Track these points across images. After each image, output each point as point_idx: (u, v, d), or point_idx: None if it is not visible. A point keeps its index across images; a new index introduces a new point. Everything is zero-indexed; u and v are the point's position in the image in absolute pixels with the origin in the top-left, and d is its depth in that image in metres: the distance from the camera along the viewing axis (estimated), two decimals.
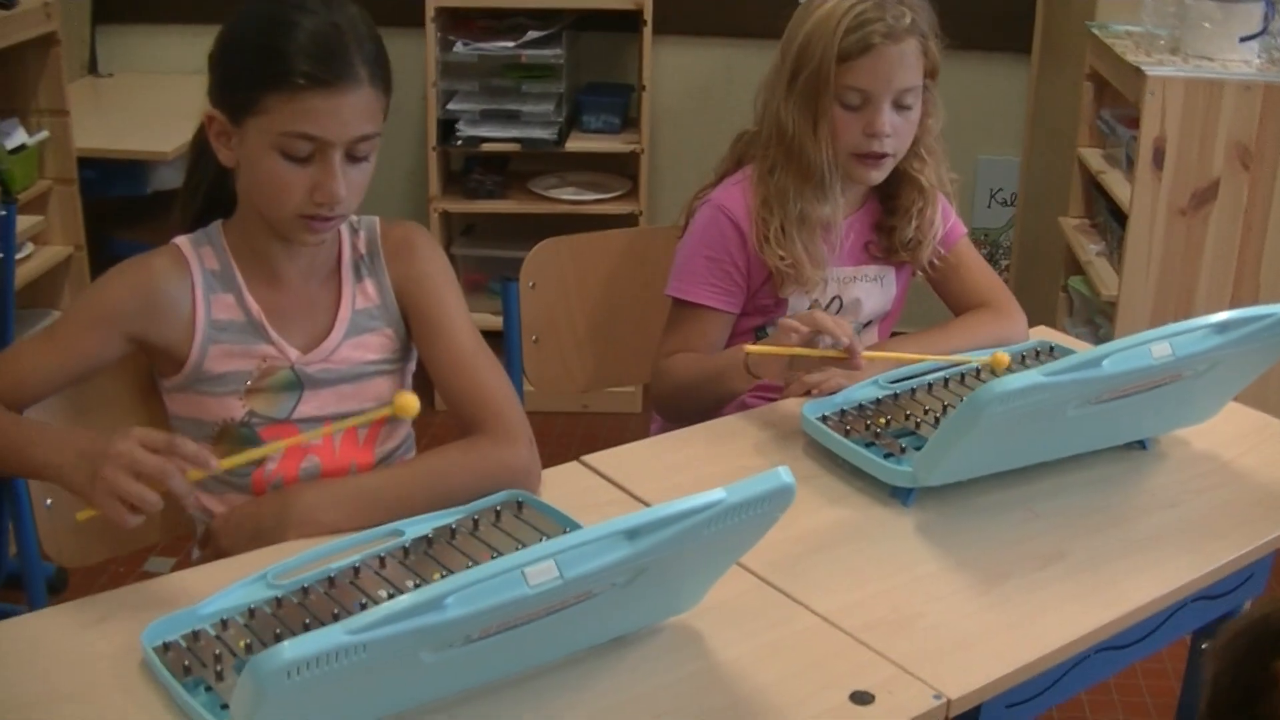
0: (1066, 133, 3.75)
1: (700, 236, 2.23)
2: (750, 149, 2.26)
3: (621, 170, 4.24)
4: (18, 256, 3.20)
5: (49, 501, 1.84)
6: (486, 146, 4.05)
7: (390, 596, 1.53)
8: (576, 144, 4.11)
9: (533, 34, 4.00)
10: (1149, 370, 1.74)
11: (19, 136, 3.33)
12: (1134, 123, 3.15)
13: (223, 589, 1.53)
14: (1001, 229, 4.49)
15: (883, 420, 1.95)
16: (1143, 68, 3.06)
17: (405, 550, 1.62)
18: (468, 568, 1.57)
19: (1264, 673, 1.01)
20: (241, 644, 1.45)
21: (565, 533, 1.65)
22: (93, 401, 1.88)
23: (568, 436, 3.91)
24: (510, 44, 3.99)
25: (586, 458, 1.91)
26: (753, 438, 1.99)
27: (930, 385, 2.05)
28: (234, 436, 1.82)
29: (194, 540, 1.89)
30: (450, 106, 4.05)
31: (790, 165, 2.17)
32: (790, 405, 2.06)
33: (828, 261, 2.21)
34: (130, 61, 4.38)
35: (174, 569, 1.70)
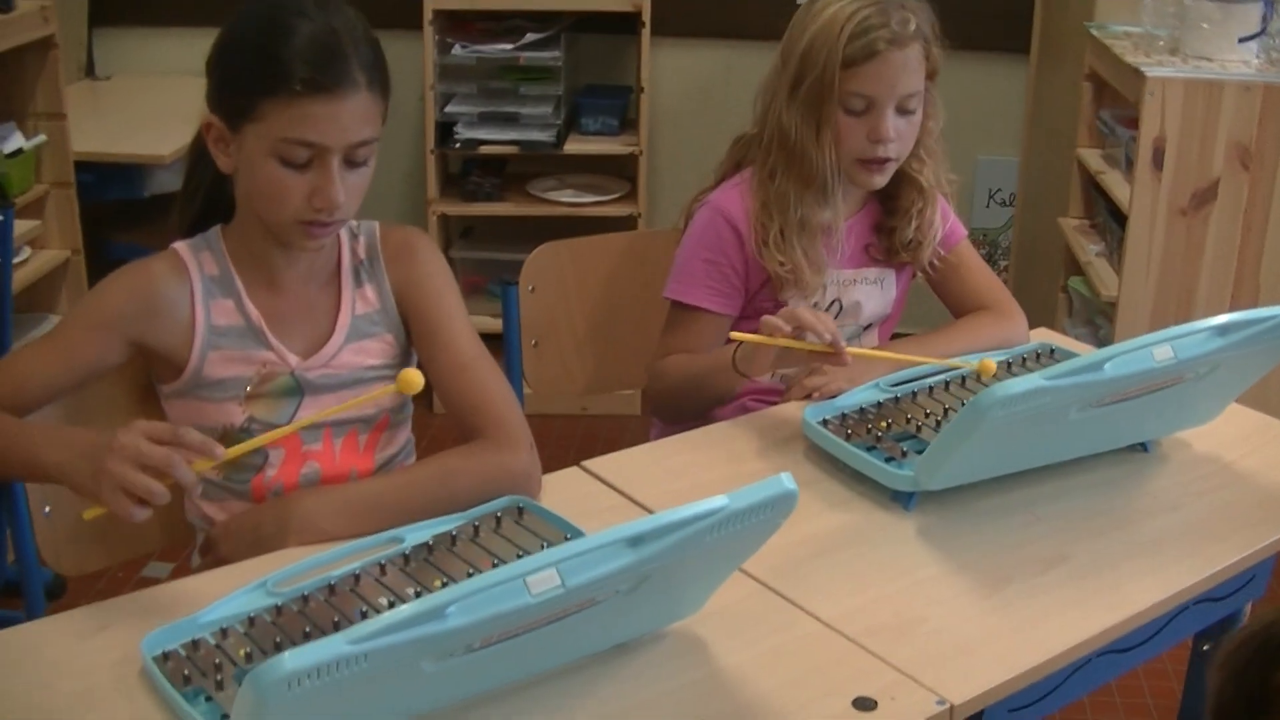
0: (1065, 133, 3.75)
1: (698, 239, 2.23)
2: (749, 152, 2.26)
3: (620, 172, 4.24)
4: (15, 260, 3.20)
5: (47, 509, 1.84)
6: (485, 149, 4.05)
7: (391, 604, 1.53)
8: (575, 146, 4.10)
9: (531, 36, 4.00)
10: (1151, 373, 1.73)
11: (16, 140, 3.32)
12: (1133, 123, 3.15)
13: (223, 597, 1.53)
14: (1000, 229, 4.49)
15: (884, 424, 1.94)
16: (1142, 68, 3.06)
17: (406, 557, 1.61)
18: (468, 574, 1.58)
19: (1266, 685, 1.00)
20: (241, 653, 1.45)
21: (566, 539, 1.65)
22: (92, 408, 1.88)
23: (567, 439, 3.91)
24: (508, 46, 3.99)
25: (587, 463, 1.91)
26: (753, 442, 1.99)
27: (931, 389, 2.05)
28: (233, 442, 1.79)
29: (194, 547, 1.89)
30: (448, 109, 4.05)
31: (792, 170, 2.16)
32: (791, 409, 2.05)
33: (827, 265, 2.21)
34: (127, 64, 4.38)
35: (173, 574, 1.69)
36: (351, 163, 1.72)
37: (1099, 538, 1.78)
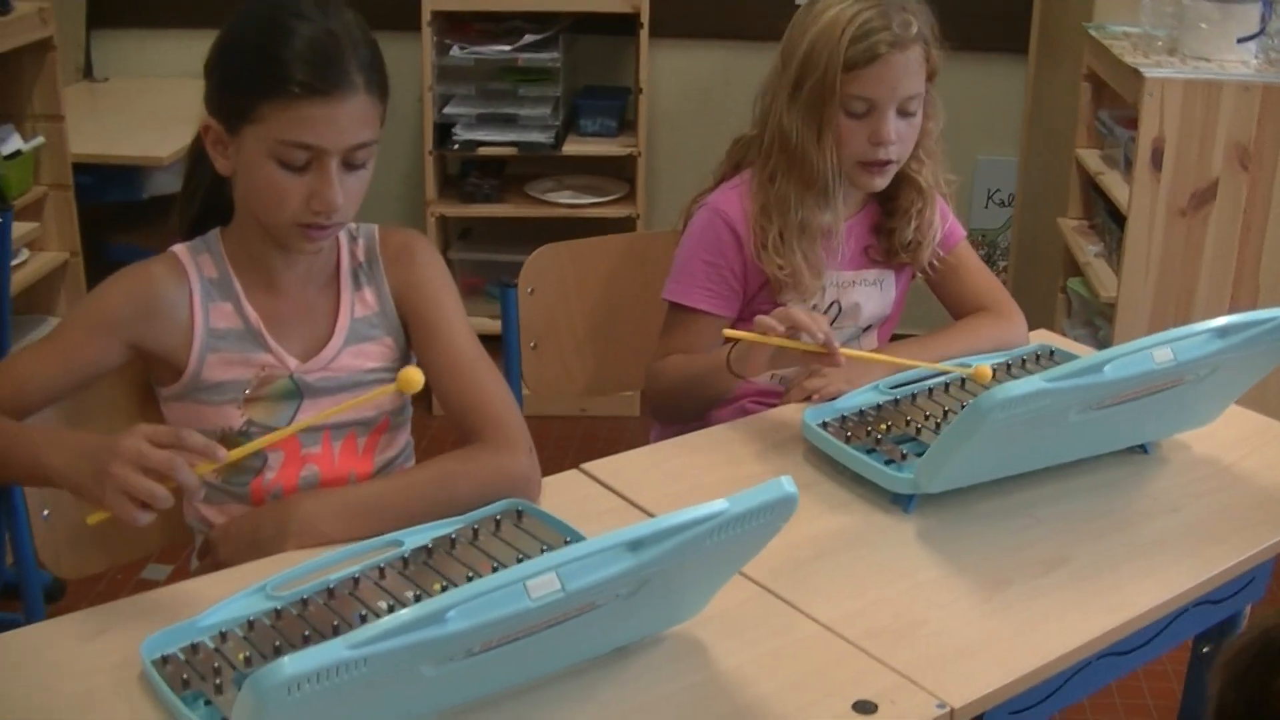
0: (1064, 133, 3.75)
1: (697, 240, 2.23)
2: (748, 154, 2.26)
3: (619, 174, 4.23)
4: (13, 262, 3.20)
5: (46, 512, 1.84)
6: (483, 150, 4.04)
7: (390, 607, 1.53)
8: (573, 147, 4.10)
9: (529, 37, 3.99)
10: (1151, 375, 1.73)
11: (14, 142, 3.32)
12: (1132, 123, 3.15)
13: (222, 600, 1.53)
14: (999, 229, 4.49)
15: (883, 426, 1.94)
16: (1141, 69, 3.06)
17: (405, 560, 1.61)
18: (468, 578, 1.58)
19: (1267, 690, 1.00)
20: (241, 656, 1.44)
21: (566, 542, 1.65)
22: (91, 410, 1.87)
23: (566, 441, 3.91)
24: (507, 47, 3.99)
25: (586, 465, 1.91)
26: (753, 444, 1.99)
27: (931, 391, 2.05)
28: (232, 446, 1.80)
29: (192, 549, 1.89)
30: (447, 110, 4.05)
31: (793, 173, 2.16)
32: (790, 411, 2.05)
33: (826, 268, 2.21)
34: (126, 66, 4.38)
35: (171, 577, 1.69)
36: (350, 165, 1.72)
37: (1099, 540, 1.78)
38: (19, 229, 3.24)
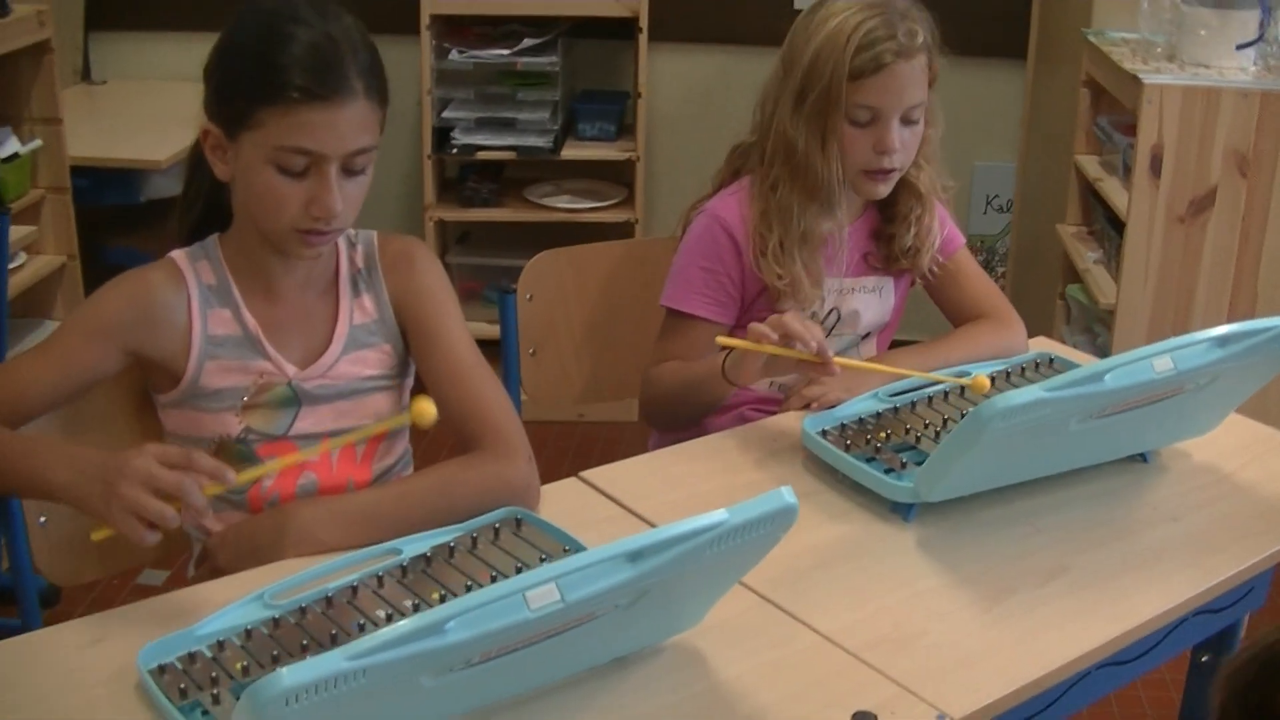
0: (1063, 139, 3.74)
1: (695, 247, 2.22)
2: (747, 160, 2.25)
3: (617, 178, 4.23)
4: (10, 266, 3.19)
5: (43, 518, 1.83)
6: (482, 154, 4.04)
7: (389, 616, 1.52)
8: (572, 152, 4.09)
9: (528, 41, 3.99)
10: (1151, 384, 1.73)
11: (12, 145, 3.32)
12: (1131, 129, 3.15)
13: (219, 609, 1.52)
14: (998, 235, 4.48)
15: (883, 435, 1.94)
16: (1140, 75, 3.06)
17: (403, 569, 1.61)
18: (466, 587, 1.57)
19: (1269, 706, 1.00)
20: (238, 666, 1.44)
21: (565, 550, 1.64)
22: (89, 417, 1.87)
23: (563, 446, 3.91)
24: (506, 51, 3.98)
25: (585, 473, 1.90)
26: (752, 452, 1.98)
27: (930, 399, 2.04)
28: (230, 453, 1.81)
29: (189, 556, 1.88)
30: (445, 114, 4.04)
31: (796, 182, 2.16)
32: (789, 419, 2.05)
33: (826, 275, 2.20)
34: (124, 69, 4.37)
35: (168, 582, 1.68)
36: (349, 171, 1.72)
37: (1099, 549, 1.78)
38: (16, 232, 3.24)
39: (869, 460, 1.87)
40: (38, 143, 3.41)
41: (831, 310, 2.25)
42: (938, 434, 1.94)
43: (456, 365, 1.85)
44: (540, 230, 4.08)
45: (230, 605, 1.53)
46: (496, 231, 4.28)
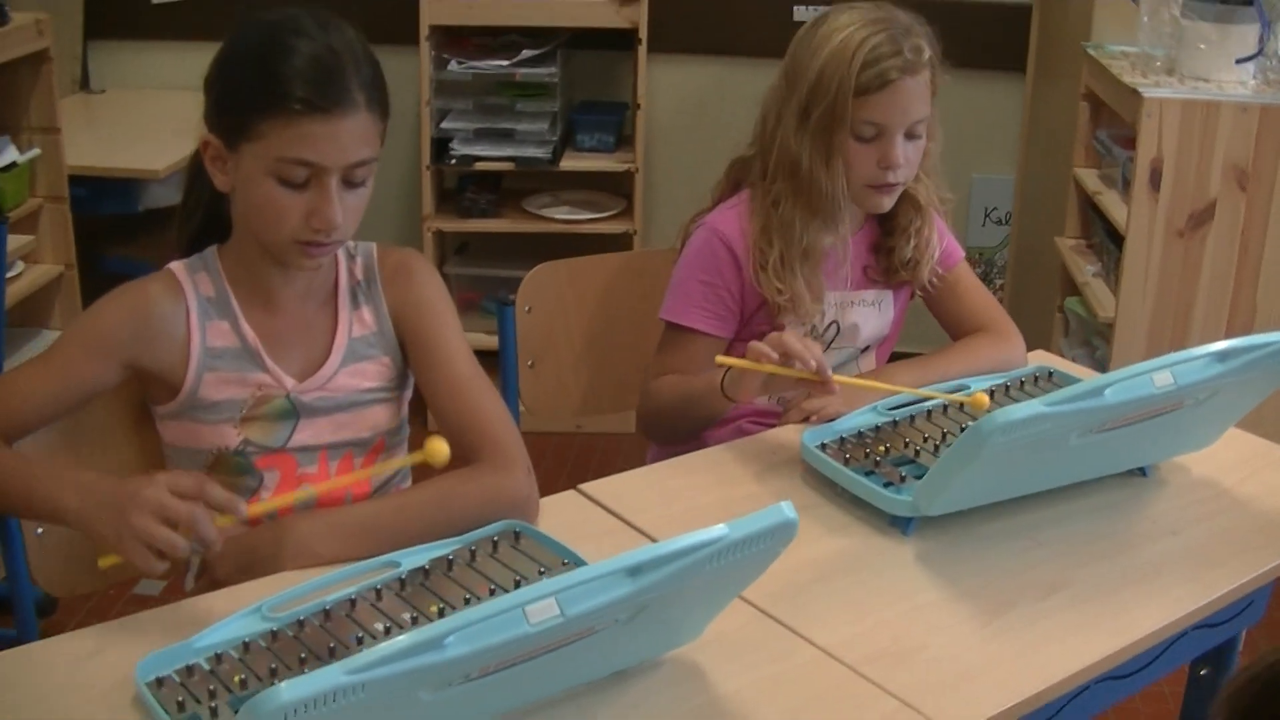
0: (1062, 152, 3.74)
1: (694, 260, 2.22)
2: (746, 174, 2.25)
3: (616, 189, 4.23)
4: (8, 275, 3.19)
5: (40, 529, 1.83)
6: (480, 165, 4.04)
7: (387, 629, 1.52)
8: (571, 162, 4.09)
9: (527, 52, 3.99)
10: (1151, 399, 1.73)
11: (10, 154, 3.32)
12: (1130, 143, 3.15)
13: (217, 622, 1.52)
14: (996, 248, 4.48)
15: (882, 448, 1.93)
16: (1139, 89, 3.05)
17: (402, 582, 1.60)
18: (465, 600, 1.57)
19: None
20: (236, 679, 1.43)
21: (563, 564, 1.64)
22: (87, 429, 1.87)
23: (561, 457, 3.90)
24: (504, 62, 3.98)
25: (584, 486, 1.90)
26: (751, 466, 1.98)
27: (930, 413, 2.04)
28: (228, 465, 1.80)
29: (188, 569, 1.88)
30: (444, 125, 4.04)
31: (800, 198, 2.15)
32: (788, 433, 2.04)
33: (826, 290, 2.20)
34: (122, 78, 4.37)
35: (164, 592, 1.68)
36: (350, 183, 1.72)
37: (1099, 563, 1.77)
38: (14, 241, 3.24)
39: (868, 474, 1.87)
40: (36, 152, 3.41)
41: (831, 323, 2.24)
42: (937, 448, 1.94)
43: (455, 377, 1.84)
44: (538, 241, 4.08)
45: (228, 618, 1.52)
46: (495, 242, 4.28)
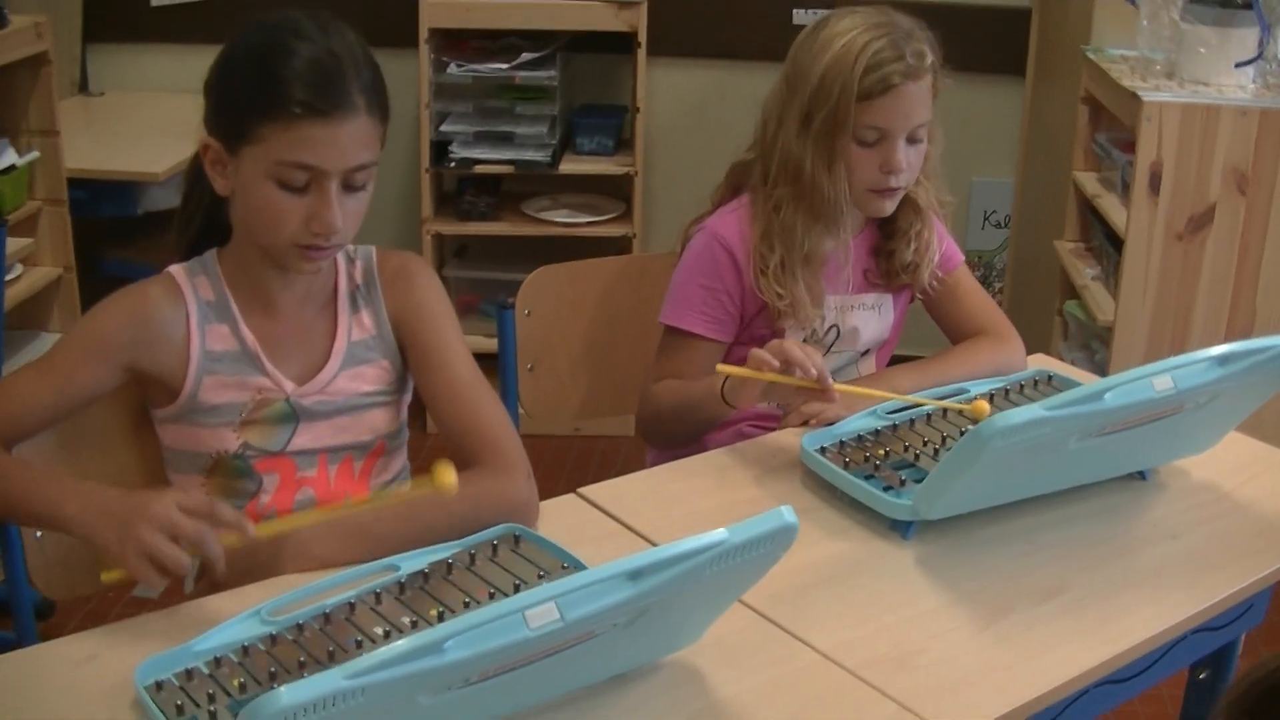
0: (1061, 156, 3.74)
1: (694, 264, 2.22)
2: (746, 178, 2.25)
3: (615, 192, 4.22)
4: (7, 278, 3.19)
5: (39, 533, 1.82)
6: (480, 168, 4.04)
7: (386, 633, 1.52)
8: (570, 166, 4.09)
9: (526, 55, 3.99)
10: (1151, 403, 1.73)
11: (9, 157, 3.31)
12: (1129, 146, 3.15)
13: (216, 625, 1.52)
14: (995, 251, 4.48)
15: (882, 452, 1.93)
16: (1139, 92, 3.06)
17: (401, 586, 1.60)
18: (465, 604, 1.57)
19: None
20: (235, 683, 1.43)
21: (563, 568, 1.64)
22: (85, 432, 1.87)
23: (560, 460, 3.90)
24: (504, 65, 3.98)
25: (583, 489, 1.90)
26: (751, 469, 1.98)
27: (929, 416, 2.04)
28: (228, 468, 1.80)
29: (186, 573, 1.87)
30: (443, 128, 4.04)
31: (801, 203, 2.15)
32: (788, 436, 2.04)
33: (826, 294, 2.20)
34: (121, 80, 4.36)
35: (164, 597, 1.68)
36: (350, 186, 1.71)
37: (1098, 567, 1.77)
38: (13, 244, 3.23)
39: (868, 478, 1.86)
40: (35, 154, 3.40)
41: (831, 327, 2.24)
42: (936, 451, 1.94)
43: (455, 382, 1.84)
44: (538, 244, 4.08)
45: (227, 621, 1.52)
46: (494, 245, 4.28)
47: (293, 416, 1.81)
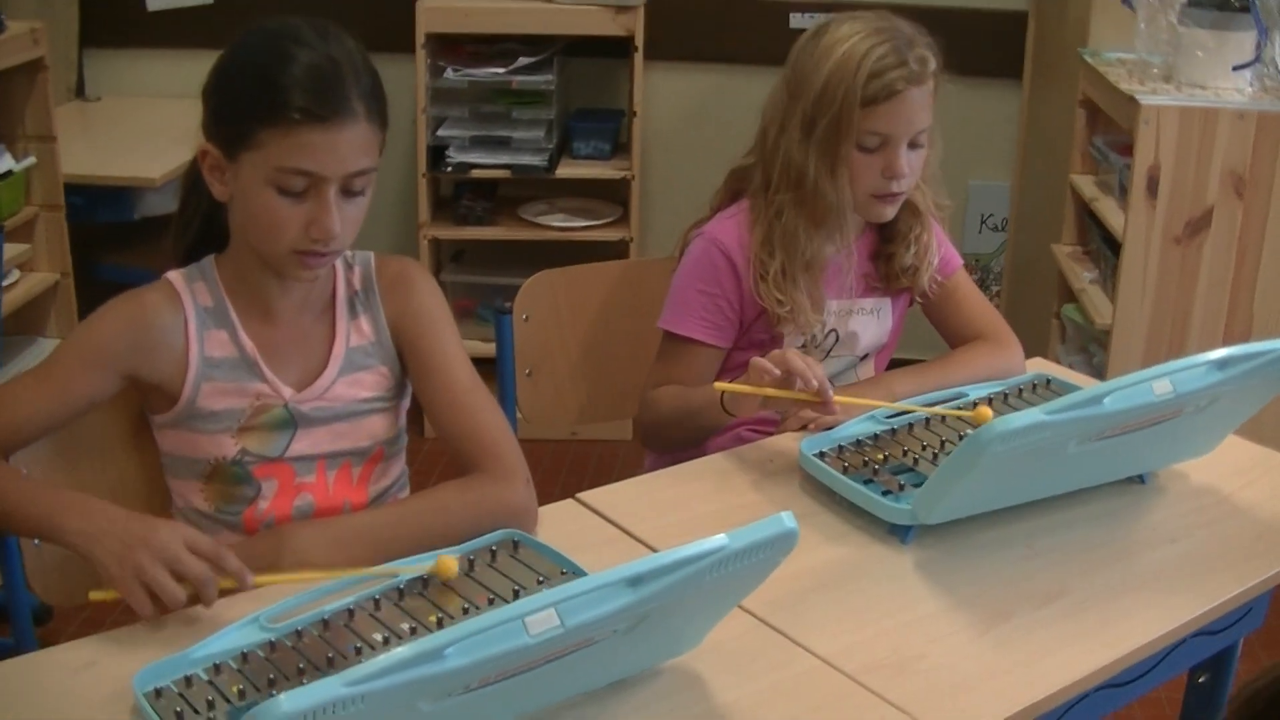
0: (1059, 159, 3.74)
1: (693, 270, 2.22)
2: (746, 183, 2.25)
3: (612, 197, 4.22)
4: (4, 283, 3.19)
5: (37, 540, 1.82)
6: (476, 172, 4.04)
7: (385, 639, 1.51)
8: (567, 170, 4.09)
9: (523, 60, 3.99)
10: (1150, 407, 1.73)
11: (6, 162, 3.31)
12: (1127, 150, 3.15)
13: (215, 632, 1.51)
14: (992, 254, 4.48)
15: (880, 456, 1.93)
16: (1136, 95, 3.06)
17: (400, 592, 1.60)
18: (464, 610, 1.57)
19: None
20: (235, 689, 1.43)
21: (562, 573, 1.64)
22: (84, 440, 1.86)
23: (557, 465, 3.90)
24: (501, 70, 3.98)
25: (582, 495, 1.90)
26: (749, 474, 1.98)
27: (928, 421, 2.04)
28: (226, 475, 1.80)
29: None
30: (440, 132, 4.04)
31: (804, 209, 2.15)
32: (787, 440, 2.04)
33: (826, 299, 2.20)
34: (118, 86, 4.36)
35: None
36: (348, 192, 1.71)
37: (1098, 571, 1.77)
38: (10, 249, 3.23)
39: (867, 482, 1.86)
40: (32, 160, 3.39)
41: (830, 331, 2.24)
42: (935, 456, 1.94)
43: (454, 388, 1.84)
44: (535, 249, 4.08)
45: (226, 628, 1.52)
46: (491, 250, 4.28)
47: (291, 422, 1.81)
